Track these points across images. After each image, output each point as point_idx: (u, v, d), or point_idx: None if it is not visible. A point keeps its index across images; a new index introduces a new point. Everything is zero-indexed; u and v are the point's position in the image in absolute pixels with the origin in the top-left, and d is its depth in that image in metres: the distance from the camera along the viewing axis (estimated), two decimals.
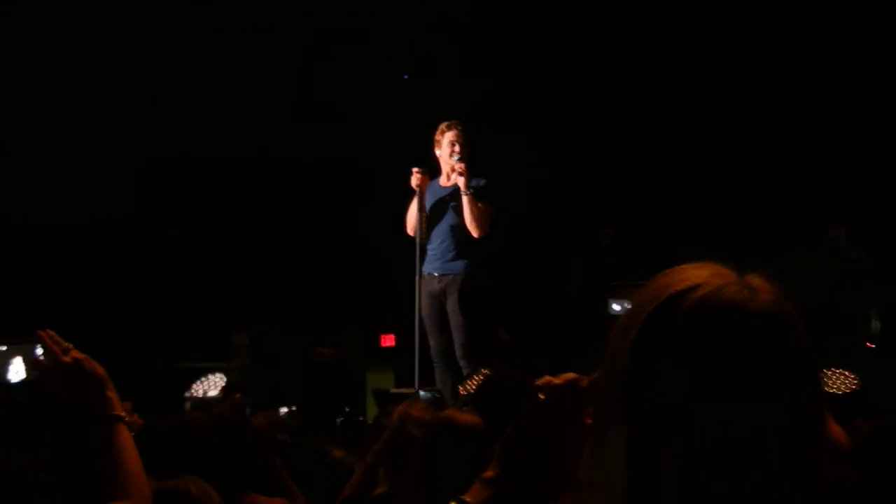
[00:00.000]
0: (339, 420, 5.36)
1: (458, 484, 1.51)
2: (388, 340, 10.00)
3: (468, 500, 1.45)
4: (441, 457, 3.45)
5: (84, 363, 2.30)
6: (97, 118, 9.66)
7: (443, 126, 7.57)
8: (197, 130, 9.88)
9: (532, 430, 1.45)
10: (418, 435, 3.79)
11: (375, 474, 4.07)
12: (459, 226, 7.48)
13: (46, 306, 8.75)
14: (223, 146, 10.01)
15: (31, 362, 5.07)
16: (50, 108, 9.57)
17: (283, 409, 5.86)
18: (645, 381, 1.20)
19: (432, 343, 7.51)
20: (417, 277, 7.53)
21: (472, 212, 7.42)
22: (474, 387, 6.34)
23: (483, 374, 6.03)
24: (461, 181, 7.42)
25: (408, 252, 7.64)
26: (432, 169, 7.65)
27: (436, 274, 7.51)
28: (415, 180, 7.54)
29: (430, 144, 7.63)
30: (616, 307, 8.56)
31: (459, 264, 7.48)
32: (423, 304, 7.51)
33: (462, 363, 7.34)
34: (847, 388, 6.45)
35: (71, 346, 2.33)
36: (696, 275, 1.24)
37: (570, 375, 1.45)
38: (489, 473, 1.47)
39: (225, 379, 7.69)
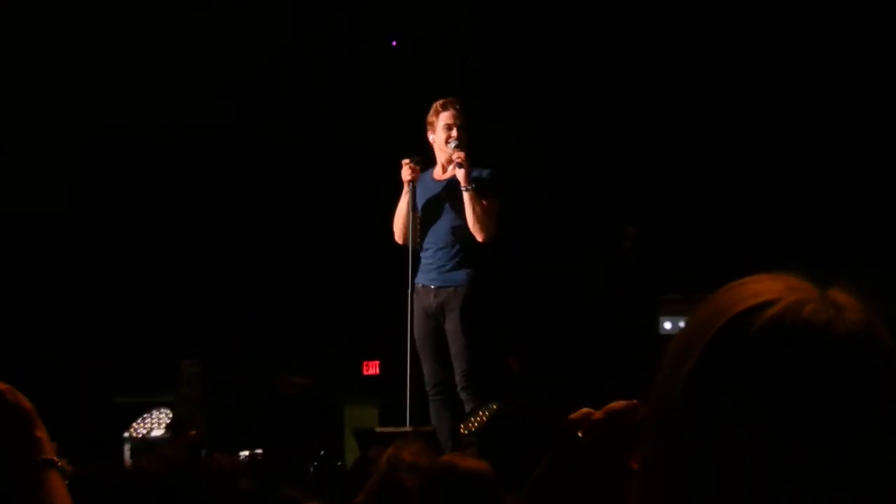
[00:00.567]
0: (312, 465, 5.36)
1: None
2: (372, 368, 10.01)
3: None
4: None
5: (7, 395, 2.29)
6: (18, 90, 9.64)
7: (437, 105, 7.55)
8: (139, 107, 9.87)
9: (566, 475, 1.44)
10: (412, 484, 3.80)
11: None
12: (459, 228, 7.47)
13: None
14: (167, 125, 10.00)
15: None
16: None
17: (244, 453, 5.86)
18: (705, 418, 1.19)
19: (426, 371, 7.51)
20: (409, 291, 7.53)
21: (474, 211, 7.41)
22: (478, 425, 6.36)
23: (490, 410, 6.04)
24: (460, 174, 7.41)
25: (397, 259, 7.64)
26: (427, 158, 7.65)
27: (432, 287, 7.51)
28: (406, 173, 7.53)
29: (423, 128, 7.64)
30: (668, 325, 8.58)
31: (460, 274, 7.47)
32: (415, 324, 7.51)
33: (463, 396, 7.34)
34: None
35: None
36: (768, 289, 1.24)
37: (618, 404, 1.44)
38: None
39: (171, 415, 7.69)
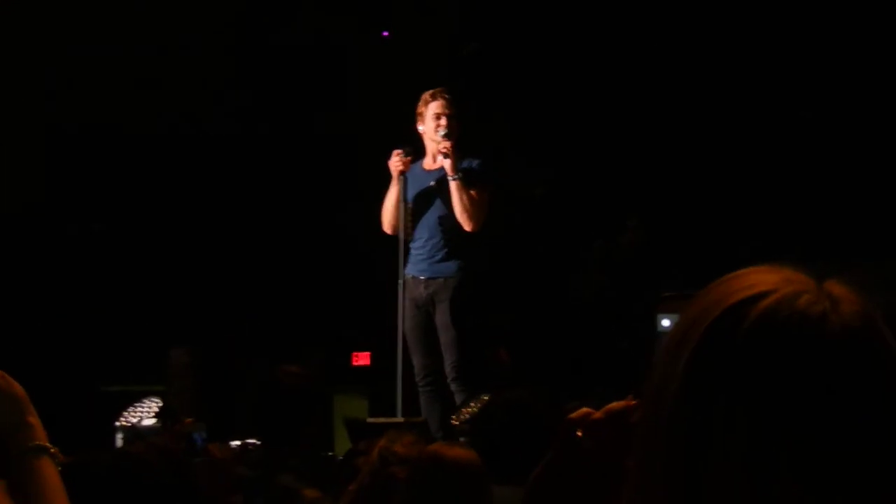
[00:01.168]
0: (306, 455, 5.35)
1: None
2: (362, 359, 10.00)
3: None
4: (428, 500, 3.46)
5: None
6: None
7: (426, 96, 7.54)
8: (122, 102, 9.83)
9: (566, 475, 1.43)
10: (403, 477, 3.79)
11: None
12: (449, 218, 7.46)
13: None
14: (154, 123, 9.97)
15: None
16: None
17: (235, 443, 5.85)
18: (699, 412, 1.18)
19: (416, 362, 7.50)
20: (400, 282, 7.53)
21: (461, 200, 7.40)
22: (469, 416, 6.35)
23: (481, 401, 6.02)
24: (447, 164, 7.40)
25: (387, 250, 7.63)
26: (419, 149, 7.64)
27: (422, 278, 7.50)
28: (396, 164, 7.52)
29: (413, 118, 7.62)
30: (666, 323, 8.52)
31: (451, 265, 7.47)
32: (406, 315, 7.50)
33: (453, 387, 7.33)
34: None
35: None
36: (763, 280, 1.23)
37: (617, 405, 1.43)
38: None
39: (160, 404, 7.67)
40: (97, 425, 7.32)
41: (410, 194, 7.57)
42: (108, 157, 10.17)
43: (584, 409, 1.45)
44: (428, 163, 7.62)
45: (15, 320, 9.36)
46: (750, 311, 1.20)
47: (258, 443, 5.26)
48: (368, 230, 7.89)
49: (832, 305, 1.20)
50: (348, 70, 10.38)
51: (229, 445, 5.33)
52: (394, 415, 7.45)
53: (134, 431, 6.71)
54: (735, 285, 1.24)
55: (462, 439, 5.25)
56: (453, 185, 7.40)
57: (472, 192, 7.41)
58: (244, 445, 5.43)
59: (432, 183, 7.55)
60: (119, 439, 6.80)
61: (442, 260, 7.50)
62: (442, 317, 7.42)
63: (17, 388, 2.29)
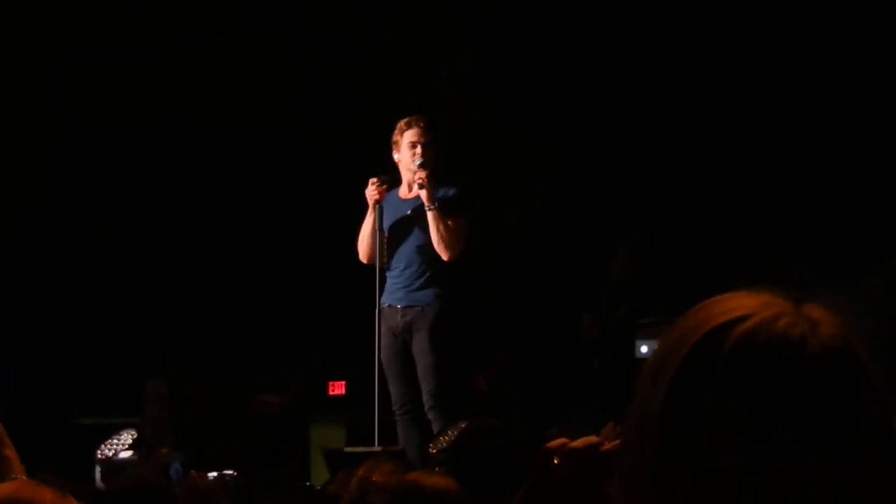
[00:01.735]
0: (284, 485, 5.33)
1: None
2: (337, 388, 9.98)
3: None
4: None
5: None
6: None
7: (401, 124, 7.51)
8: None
9: (543, 503, 1.44)
10: None
11: None
12: (426, 247, 7.45)
13: None
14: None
15: None
16: None
17: (212, 474, 5.83)
18: (682, 437, 1.19)
19: (393, 391, 7.49)
20: (376, 311, 7.52)
21: (438, 230, 7.40)
22: (446, 444, 6.33)
23: (458, 429, 6.00)
24: (423, 194, 7.39)
25: (363, 278, 7.62)
26: (395, 177, 7.63)
27: (398, 306, 7.49)
28: (371, 193, 7.52)
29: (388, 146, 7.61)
30: (645, 349, 8.48)
31: (428, 294, 7.46)
32: (382, 344, 7.50)
33: (431, 415, 7.31)
34: None
35: None
36: (742, 304, 1.24)
37: (592, 438, 1.45)
38: None
39: (135, 435, 7.63)
40: (73, 458, 7.28)
41: (386, 223, 7.57)
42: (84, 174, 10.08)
43: (562, 439, 1.46)
44: (404, 191, 7.61)
45: None
46: (730, 335, 1.21)
47: (235, 473, 5.25)
48: (344, 259, 7.88)
49: (811, 328, 1.21)
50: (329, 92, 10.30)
51: (207, 477, 5.31)
52: (371, 443, 7.42)
53: (111, 465, 6.67)
54: (714, 310, 1.25)
55: (437, 469, 5.23)
56: (430, 216, 7.39)
57: (449, 221, 7.41)
58: (221, 476, 5.42)
59: (409, 212, 7.54)
60: (97, 473, 6.76)
61: (419, 288, 7.49)
62: (419, 345, 7.41)
63: None
